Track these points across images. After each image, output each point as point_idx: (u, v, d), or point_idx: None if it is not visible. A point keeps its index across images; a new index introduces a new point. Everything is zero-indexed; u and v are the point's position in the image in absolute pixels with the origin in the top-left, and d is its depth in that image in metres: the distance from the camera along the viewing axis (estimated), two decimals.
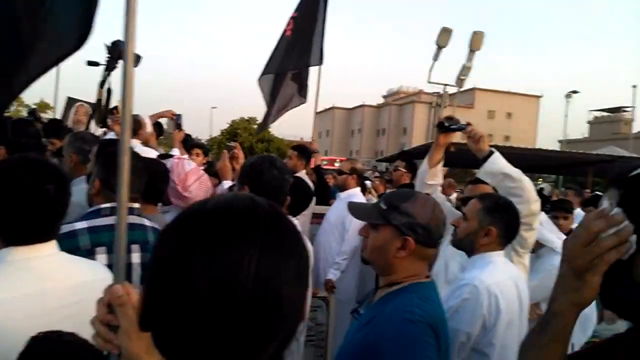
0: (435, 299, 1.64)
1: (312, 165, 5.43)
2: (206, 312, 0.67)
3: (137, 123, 3.57)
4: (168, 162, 3.14)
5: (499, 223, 2.20)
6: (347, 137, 75.67)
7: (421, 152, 15.03)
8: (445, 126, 2.79)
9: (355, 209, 1.84)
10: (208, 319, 0.67)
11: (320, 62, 5.67)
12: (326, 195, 5.29)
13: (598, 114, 77.43)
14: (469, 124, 2.79)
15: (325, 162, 17.15)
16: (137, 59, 2.35)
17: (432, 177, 2.85)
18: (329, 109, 75.89)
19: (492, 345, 2.08)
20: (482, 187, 2.94)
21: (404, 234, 1.62)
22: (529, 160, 14.43)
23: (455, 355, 2.07)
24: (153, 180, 2.46)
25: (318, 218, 4.74)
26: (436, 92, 18.84)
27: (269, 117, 6.06)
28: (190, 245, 0.69)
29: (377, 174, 10.15)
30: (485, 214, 2.21)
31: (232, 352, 0.69)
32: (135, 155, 1.78)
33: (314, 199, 4.08)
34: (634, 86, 41.97)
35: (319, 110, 6.16)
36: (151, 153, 3.37)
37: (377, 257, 1.69)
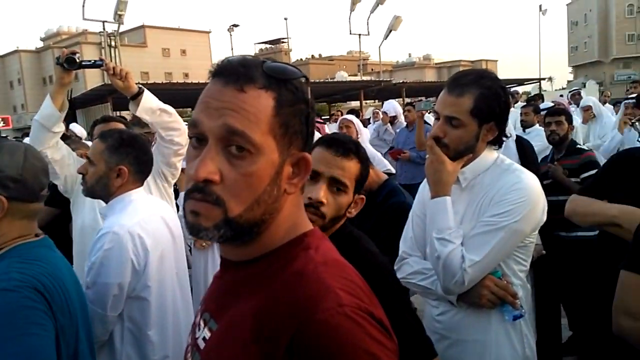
0: (48, 256, 1.39)
1: None
2: None
3: None
4: None
5: (129, 159, 2.02)
6: (6, 90, 63.62)
7: (93, 97, 13.72)
8: (77, 63, 2.45)
9: None
10: None
11: None
12: None
13: (262, 46, 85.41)
14: (102, 60, 2.58)
15: None
16: None
17: (59, 123, 2.48)
18: None
19: (148, 288, 1.98)
20: (113, 125, 2.73)
21: None
22: None
23: (110, 310, 1.91)
24: None
25: None
26: (103, 32, 17.49)
27: None
28: None
29: None
30: (111, 154, 1.99)
31: None
32: None
33: None
34: (286, 19, 47.52)
35: None
36: None
37: None
